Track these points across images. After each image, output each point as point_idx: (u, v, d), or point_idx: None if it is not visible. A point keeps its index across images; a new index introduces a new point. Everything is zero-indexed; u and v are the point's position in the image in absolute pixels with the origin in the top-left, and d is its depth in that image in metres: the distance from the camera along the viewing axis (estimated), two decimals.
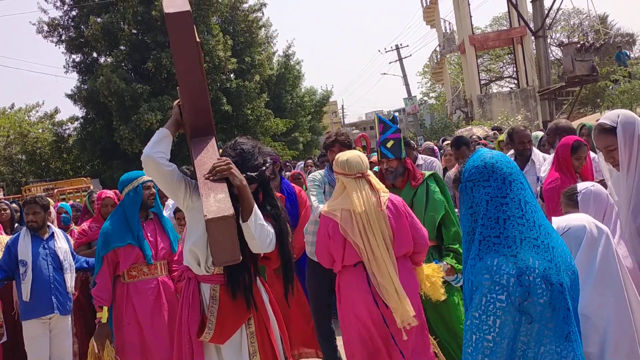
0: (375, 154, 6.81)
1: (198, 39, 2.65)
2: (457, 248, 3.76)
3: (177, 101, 2.81)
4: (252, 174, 2.72)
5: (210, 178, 2.48)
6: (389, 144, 3.96)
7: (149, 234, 4.08)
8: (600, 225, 2.29)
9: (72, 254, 4.75)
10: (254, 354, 2.77)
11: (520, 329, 1.71)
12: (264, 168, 2.78)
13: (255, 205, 2.59)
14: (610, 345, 2.19)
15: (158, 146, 2.60)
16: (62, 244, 4.69)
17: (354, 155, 3.46)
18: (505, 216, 1.76)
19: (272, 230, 2.71)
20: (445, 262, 3.76)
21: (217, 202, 2.34)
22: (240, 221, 2.50)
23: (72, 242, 5.03)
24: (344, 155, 3.46)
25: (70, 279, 4.60)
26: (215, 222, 2.27)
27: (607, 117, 2.94)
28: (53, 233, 4.72)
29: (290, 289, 2.95)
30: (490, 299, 1.70)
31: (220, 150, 2.80)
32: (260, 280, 3.00)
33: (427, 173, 4.01)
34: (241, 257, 2.40)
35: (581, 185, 2.87)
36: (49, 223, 4.78)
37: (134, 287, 3.98)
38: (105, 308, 3.90)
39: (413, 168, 4.05)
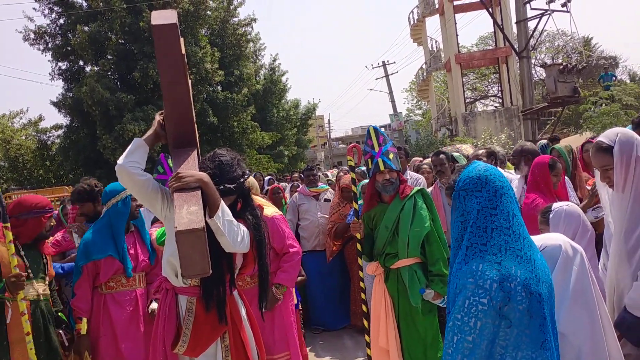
0: (362, 168, 6.83)
1: (184, 52, 2.67)
2: (440, 270, 3.77)
3: (160, 112, 2.81)
4: (230, 186, 2.71)
5: (172, 190, 2.49)
6: (390, 156, 3.95)
7: (129, 247, 4.05)
8: (575, 245, 2.33)
9: None
10: None
11: (499, 332, 1.77)
12: (242, 180, 2.78)
13: (223, 202, 2.57)
14: None
15: (132, 156, 2.60)
16: None
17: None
18: (494, 226, 1.84)
19: (244, 229, 2.68)
20: (429, 291, 3.79)
21: (189, 214, 2.34)
22: (207, 217, 2.49)
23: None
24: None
25: None
26: (185, 234, 2.27)
27: (606, 135, 2.80)
28: None
29: (265, 300, 2.94)
30: (473, 301, 1.77)
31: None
32: (239, 292, 2.99)
33: (416, 188, 4.02)
34: (211, 271, 2.38)
35: (556, 205, 2.90)
36: None
37: (112, 298, 3.94)
38: (85, 320, 3.86)
39: (405, 182, 4.07)
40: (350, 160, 4.43)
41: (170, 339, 2.73)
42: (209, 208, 2.52)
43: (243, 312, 2.92)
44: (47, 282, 3.82)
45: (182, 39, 2.72)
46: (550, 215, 2.85)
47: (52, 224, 3.91)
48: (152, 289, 4.06)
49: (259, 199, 4.29)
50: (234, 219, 2.61)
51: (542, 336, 1.80)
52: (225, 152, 2.84)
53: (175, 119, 2.71)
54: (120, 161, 2.58)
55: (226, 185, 2.70)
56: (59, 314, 3.93)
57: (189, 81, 2.75)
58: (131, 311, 3.97)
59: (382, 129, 4.27)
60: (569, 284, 2.25)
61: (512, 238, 1.83)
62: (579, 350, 2.21)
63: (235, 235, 2.59)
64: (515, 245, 1.82)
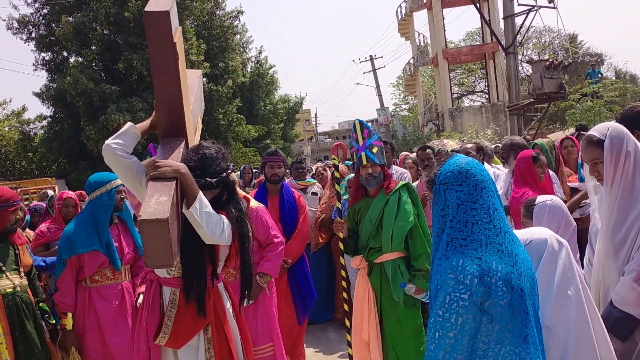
0: (349, 162, 6.84)
1: (177, 40, 2.62)
2: (422, 265, 3.78)
3: None
4: (212, 180, 2.67)
5: (148, 179, 2.46)
6: (374, 150, 3.94)
7: (113, 240, 3.98)
8: (561, 239, 2.33)
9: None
10: None
11: (480, 328, 1.76)
12: (224, 174, 2.73)
13: (201, 193, 2.53)
14: (570, 356, 2.22)
15: (119, 137, 2.55)
16: None
17: None
18: (474, 220, 1.81)
19: (226, 221, 2.65)
20: (410, 285, 3.79)
21: (157, 204, 2.30)
22: (184, 208, 2.47)
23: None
24: None
25: None
26: (147, 223, 2.23)
27: (597, 129, 2.80)
28: None
29: (247, 294, 2.91)
30: (453, 297, 1.76)
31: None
32: (225, 285, 2.96)
33: (401, 183, 4.02)
34: (174, 263, 2.36)
35: (540, 198, 2.89)
36: None
37: (97, 292, 3.88)
38: (70, 314, 3.79)
39: (390, 177, 4.07)
40: (335, 158, 4.41)
41: (152, 330, 2.71)
42: (186, 199, 2.49)
43: (228, 305, 2.89)
44: (22, 273, 3.72)
45: (179, 28, 2.67)
46: (534, 209, 2.85)
47: (18, 217, 3.76)
48: (137, 281, 4.02)
49: (243, 193, 4.29)
50: (213, 211, 2.57)
51: (524, 331, 1.79)
52: (210, 145, 2.77)
53: (164, 107, 2.67)
54: (107, 141, 2.55)
55: (207, 179, 2.65)
56: (41, 304, 3.85)
57: (182, 70, 2.69)
58: (117, 305, 3.91)
59: (369, 124, 4.26)
60: (554, 277, 2.24)
61: (493, 232, 1.81)
62: (565, 343, 2.22)
63: (214, 227, 2.55)
64: (496, 239, 1.81)
